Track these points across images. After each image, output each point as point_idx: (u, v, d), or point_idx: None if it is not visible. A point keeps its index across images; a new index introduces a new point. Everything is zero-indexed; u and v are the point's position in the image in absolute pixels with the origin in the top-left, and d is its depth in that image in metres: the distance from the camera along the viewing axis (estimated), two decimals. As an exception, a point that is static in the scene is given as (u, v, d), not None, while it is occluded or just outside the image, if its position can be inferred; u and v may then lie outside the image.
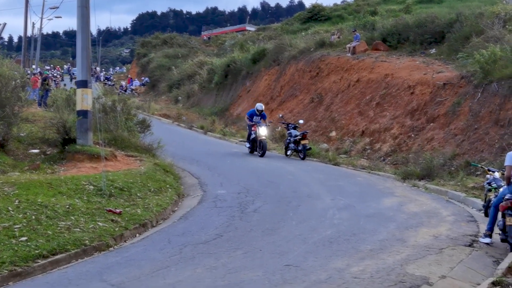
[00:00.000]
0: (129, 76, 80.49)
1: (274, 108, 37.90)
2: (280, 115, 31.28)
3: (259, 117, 27.05)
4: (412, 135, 24.98)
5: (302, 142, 25.49)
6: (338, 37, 39.49)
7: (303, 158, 25.43)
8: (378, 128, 27.15)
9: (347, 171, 22.95)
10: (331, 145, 28.79)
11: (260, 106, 27.62)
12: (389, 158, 24.93)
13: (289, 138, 26.53)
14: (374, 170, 22.77)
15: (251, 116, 27.24)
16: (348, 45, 35.51)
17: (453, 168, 20.60)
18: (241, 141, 32.23)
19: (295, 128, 26.73)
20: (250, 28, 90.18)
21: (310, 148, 25.88)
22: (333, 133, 29.92)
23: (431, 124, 24.49)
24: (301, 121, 27.97)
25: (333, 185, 19.20)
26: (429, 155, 21.49)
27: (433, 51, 31.21)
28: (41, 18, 66.23)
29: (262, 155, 25.71)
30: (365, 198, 17.03)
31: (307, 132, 26.00)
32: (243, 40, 61.45)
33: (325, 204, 16.15)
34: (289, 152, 26.51)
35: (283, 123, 29.03)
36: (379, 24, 38.14)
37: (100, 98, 25.89)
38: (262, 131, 26.10)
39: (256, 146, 26.43)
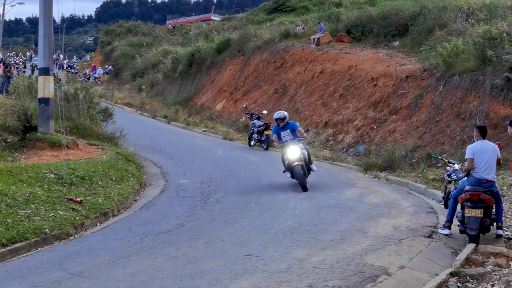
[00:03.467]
0: (92, 64, 79.82)
1: (238, 99, 37.87)
2: (244, 106, 31.27)
3: (288, 130, 18.17)
4: (375, 127, 25.16)
5: (266, 132, 25.52)
6: (303, 28, 39.56)
7: (266, 149, 25.48)
8: (341, 120, 27.29)
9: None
10: (294, 136, 28.86)
11: (278, 114, 18.55)
12: (351, 149, 25.09)
13: (252, 128, 26.57)
14: (336, 161, 22.90)
15: (277, 133, 18.45)
16: (313, 37, 35.60)
17: (414, 160, 20.81)
18: (204, 131, 32.21)
19: (258, 118, 26.77)
20: (215, 18, 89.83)
21: (273, 139, 25.84)
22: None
23: (394, 116, 24.68)
24: (264, 112, 27.97)
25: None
26: (391, 146, 21.67)
27: (396, 43, 31.42)
28: (3, 5, 65.31)
29: (303, 189, 16.77)
30: (327, 189, 17.13)
31: (270, 123, 26.02)
32: (208, 30, 61.30)
33: (287, 194, 16.21)
34: (252, 143, 26.55)
35: (247, 113, 29.04)
36: (344, 16, 38.24)
37: (63, 86, 25.58)
38: (293, 154, 17.08)
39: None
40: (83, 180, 15.89)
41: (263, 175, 19.31)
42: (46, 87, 19.75)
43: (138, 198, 16.71)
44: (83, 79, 60.24)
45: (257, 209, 14.38)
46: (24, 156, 18.36)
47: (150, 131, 31.20)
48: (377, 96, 26.47)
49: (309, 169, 17.55)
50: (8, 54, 76.24)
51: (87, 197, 14.69)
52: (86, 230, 13.19)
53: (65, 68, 77.57)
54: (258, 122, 26.22)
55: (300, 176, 16.66)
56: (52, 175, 15.52)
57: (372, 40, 33.29)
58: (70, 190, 14.89)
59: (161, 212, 14.65)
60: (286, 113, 18.58)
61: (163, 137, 28.93)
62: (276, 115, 18.38)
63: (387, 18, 33.28)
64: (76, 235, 12.68)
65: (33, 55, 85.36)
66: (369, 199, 15.81)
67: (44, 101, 19.72)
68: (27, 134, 19.51)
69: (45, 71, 19.98)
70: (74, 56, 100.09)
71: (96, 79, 65.86)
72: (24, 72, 56.48)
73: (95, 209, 14.08)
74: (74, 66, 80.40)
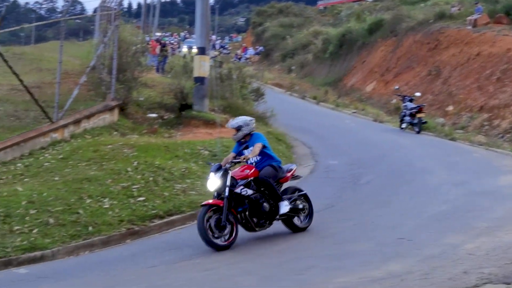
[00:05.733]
0: (243, 45, 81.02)
1: (389, 80, 37.22)
2: (396, 87, 30.66)
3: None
4: (534, 112, 24.01)
5: (418, 115, 24.87)
6: (459, 9, 38.25)
7: (418, 132, 24.86)
8: (498, 104, 26.20)
9: (463, 147, 22.24)
10: (447, 120, 28.04)
11: (232, 122, 11.26)
12: (508, 135, 24.06)
13: (404, 111, 25.98)
14: (492, 147, 22.02)
15: (236, 153, 11.23)
16: (469, 18, 34.35)
17: None
18: (353, 112, 31.95)
19: (411, 101, 26.14)
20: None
21: (426, 122, 25.19)
22: (450, 108, 29.12)
23: (555, 101, 23.44)
24: (417, 94, 27.23)
25: (448, 160, 18.62)
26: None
27: (560, 25, 29.76)
28: (161, -14, 67.48)
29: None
30: (482, 175, 16.47)
31: (423, 105, 25.36)
32: (359, 10, 60.50)
33: (439, 179, 15.70)
34: (404, 125, 25.97)
35: (399, 95, 28.43)
36: (503, -4, 36.62)
37: (217, 66, 26.16)
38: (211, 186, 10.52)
39: None
40: (236, 158, 16.23)
41: (415, 159, 18.83)
42: (202, 66, 20.32)
43: (288, 177, 16.81)
44: (235, 59, 61.32)
45: (409, 193, 14.07)
46: (179, 133, 19.03)
47: (299, 112, 31.30)
48: (537, 80, 25.23)
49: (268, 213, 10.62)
50: (163, 34, 78.84)
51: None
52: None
53: (217, 48, 79.28)
54: (410, 105, 25.63)
55: (201, 228, 9.78)
56: (206, 152, 15.99)
57: (533, 22, 31.68)
58: (223, 167, 15.25)
59: (310, 192, 14.67)
60: (246, 120, 11.10)
61: (312, 118, 28.93)
62: (230, 123, 11.33)
63: (551, -3, 31.54)
64: (228, 211, 12.99)
65: (187, 36, 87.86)
66: (528, 187, 15.09)
67: (200, 80, 20.31)
68: (183, 112, 20.20)
69: (201, 51, 20.55)
70: (226, 37, 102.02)
71: (247, 60, 66.85)
72: (179, 52, 58.27)
73: (247, 186, 14.33)
74: (226, 46, 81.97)
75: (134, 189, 12.78)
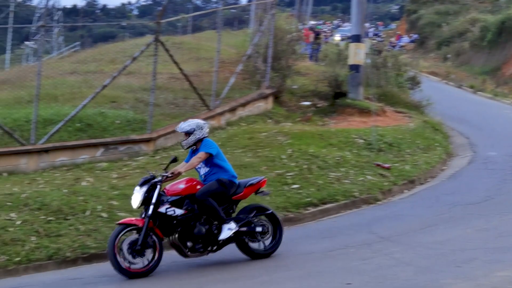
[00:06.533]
0: (397, 32, 79.66)
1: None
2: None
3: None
4: None
5: None
6: None
7: None
8: None
9: None
10: None
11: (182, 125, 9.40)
12: None
13: None
14: None
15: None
16: None
17: None
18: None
19: None
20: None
21: None
22: None
23: None
24: None
25: None
26: None
27: None
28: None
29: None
30: None
31: None
32: (521, -4, 57.93)
33: None
34: None
35: None
36: None
37: (374, 54, 25.79)
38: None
39: None
40: (391, 147, 16.03)
41: None
42: (357, 54, 20.19)
43: (444, 167, 16.35)
44: (389, 47, 60.41)
45: None
46: (333, 121, 19.01)
47: (455, 101, 30.31)
48: None
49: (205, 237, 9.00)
50: (317, 22, 79.05)
51: (395, 164, 14.77)
52: (393, 196, 13.31)
53: (371, 36, 78.41)
54: None
55: (109, 250, 8.50)
56: (361, 141, 15.87)
57: None
58: (378, 156, 15.12)
59: (469, 183, 14.27)
60: (199, 123, 9.40)
61: (469, 108, 27.95)
62: (180, 126, 9.44)
63: None
64: (383, 201, 12.85)
65: (340, 24, 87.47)
66: None
67: (355, 67, 20.22)
68: (337, 100, 20.16)
69: (356, 38, 20.42)
70: (377, 24, 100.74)
71: (402, 48, 65.70)
72: (332, 40, 58.13)
73: (403, 176, 14.12)
74: (380, 34, 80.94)
75: (288, 177, 12.88)
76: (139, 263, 8.50)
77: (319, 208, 11.93)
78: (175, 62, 16.77)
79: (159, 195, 8.73)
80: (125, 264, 8.40)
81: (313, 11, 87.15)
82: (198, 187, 8.97)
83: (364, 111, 19.13)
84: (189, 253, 8.85)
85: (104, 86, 15.79)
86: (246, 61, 20.18)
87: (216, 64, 18.38)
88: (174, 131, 15.97)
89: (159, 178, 8.83)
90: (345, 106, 19.86)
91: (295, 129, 16.78)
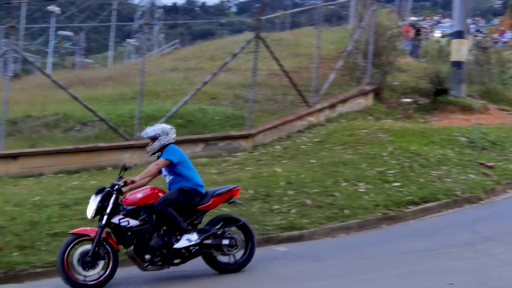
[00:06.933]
0: (500, 28, 77.35)
1: None
2: None
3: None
4: None
5: None
6: None
7: None
8: None
9: None
10: None
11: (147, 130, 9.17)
12: None
13: None
14: None
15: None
16: None
17: None
18: None
19: None
20: None
21: None
22: None
23: None
24: None
25: None
26: None
27: None
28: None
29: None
30: None
31: None
32: None
33: None
34: None
35: None
36: None
37: (480, 50, 25.16)
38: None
39: None
40: (494, 145, 15.64)
41: None
42: (459, 51, 19.82)
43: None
44: (491, 43, 58.71)
45: None
46: (435, 118, 18.72)
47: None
48: None
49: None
50: (418, 18, 77.80)
51: (498, 163, 14.39)
52: (496, 196, 12.97)
53: (472, 32, 76.35)
54: None
55: (58, 261, 8.07)
56: (463, 139, 15.55)
57: None
58: (481, 155, 14.76)
59: None
60: (165, 128, 8.91)
61: None
62: (145, 131, 9.06)
63: None
64: (486, 200, 12.54)
65: (440, 21, 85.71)
66: None
67: (457, 64, 19.86)
68: (439, 97, 19.84)
69: (459, 35, 20.05)
70: (477, 20, 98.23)
71: (505, 44, 63.74)
72: (433, 36, 57.00)
73: (506, 175, 13.74)
74: (482, 30, 78.83)
75: (389, 174, 12.75)
76: (91, 275, 8.06)
77: (420, 206, 11.74)
78: (276, 59, 16.88)
79: (118, 204, 8.36)
80: (74, 276, 8.00)
81: (413, 7, 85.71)
82: (160, 195, 8.56)
83: (466, 109, 18.76)
84: (149, 266, 8.39)
85: (205, 83, 16.09)
86: (346, 57, 20.08)
87: (316, 60, 18.40)
88: (273, 127, 16.16)
89: (117, 187, 8.37)
90: (446, 104, 19.52)
91: (396, 126, 16.59)
